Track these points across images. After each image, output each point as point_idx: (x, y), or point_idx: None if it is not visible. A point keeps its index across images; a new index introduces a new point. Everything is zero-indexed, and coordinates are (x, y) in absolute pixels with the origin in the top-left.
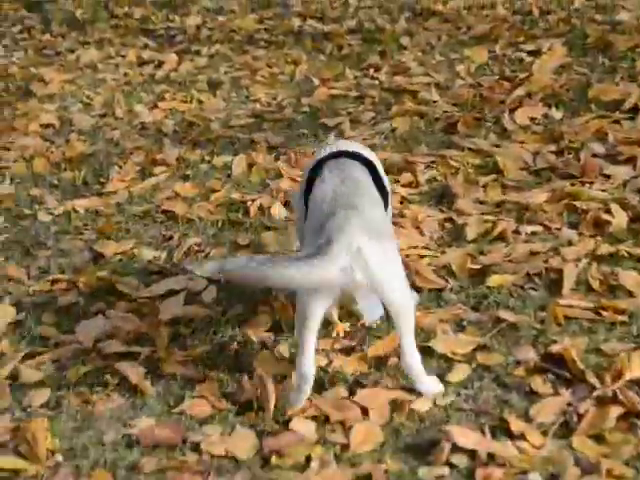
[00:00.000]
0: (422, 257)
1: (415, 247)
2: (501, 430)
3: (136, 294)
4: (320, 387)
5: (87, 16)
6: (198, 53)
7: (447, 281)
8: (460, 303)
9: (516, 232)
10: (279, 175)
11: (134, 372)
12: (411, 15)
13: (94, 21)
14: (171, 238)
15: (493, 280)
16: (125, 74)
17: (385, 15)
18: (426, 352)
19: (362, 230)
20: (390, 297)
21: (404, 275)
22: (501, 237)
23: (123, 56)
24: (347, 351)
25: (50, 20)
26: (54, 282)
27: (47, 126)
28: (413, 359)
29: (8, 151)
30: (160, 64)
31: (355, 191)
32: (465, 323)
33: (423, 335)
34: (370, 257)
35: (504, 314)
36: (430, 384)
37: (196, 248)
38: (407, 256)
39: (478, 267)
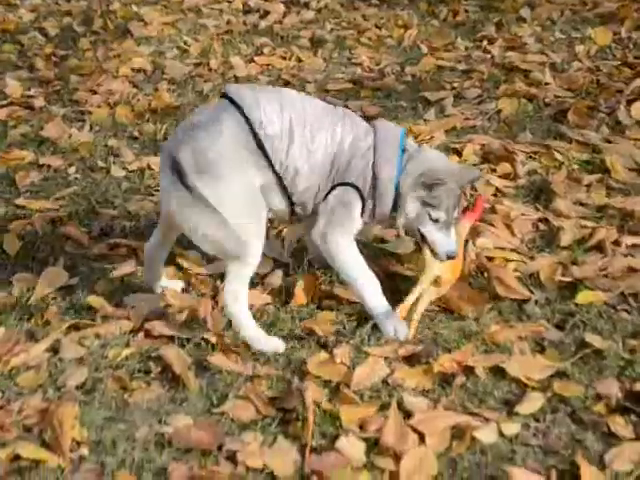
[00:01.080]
0: (508, 261)
1: (502, 249)
2: (570, 476)
3: (196, 270)
4: (375, 402)
5: None
6: (306, 5)
7: (532, 292)
8: (543, 319)
9: (616, 243)
10: None
11: (179, 361)
12: None
13: None
14: None
15: (583, 296)
16: (228, 21)
17: None
18: (497, 373)
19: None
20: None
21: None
22: (598, 247)
23: (229, 1)
24: (411, 360)
25: None
26: (114, 247)
27: (138, 70)
28: None
29: (94, 94)
30: (265, 14)
31: None
32: (546, 343)
33: (498, 352)
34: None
35: (590, 338)
36: None
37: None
38: (491, 259)
39: (568, 280)
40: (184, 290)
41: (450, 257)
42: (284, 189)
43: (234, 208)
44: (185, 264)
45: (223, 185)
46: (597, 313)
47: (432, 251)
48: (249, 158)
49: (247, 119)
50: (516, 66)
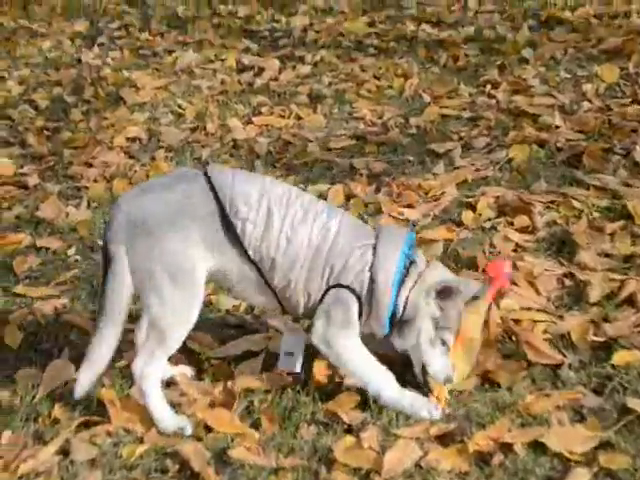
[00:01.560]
0: (536, 322)
1: (529, 309)
2: None
3: (208, 354)
4: None
5: (189, 13)
6: (302, 60)
7: (565, 355)
8: (579, 384)
9: None
10: (379, 210)
11: (198, 456)
12: (535, 23)
13: (196, 19)
14: None
15: (619, 356)
16: (222, 81)
17: (507, 22)
18: (537, 448)
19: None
20: None
21: None
22: (630, 300)
23: (223, 60)
24: (445, 440)
25: (150, 17)
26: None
27: (134, 140)
28: None
29: (89, 167)
30: (260, 71)
31: None
32: (585, 411)
33: (535, 424)
34: None
35: (632, 403)
36: None
37: None
38: (518, 321)
39: (602, 340)
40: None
41: (448, 382)
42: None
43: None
44: (195, 348)
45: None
46: (637, 374)
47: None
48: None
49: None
50: (523, 110)
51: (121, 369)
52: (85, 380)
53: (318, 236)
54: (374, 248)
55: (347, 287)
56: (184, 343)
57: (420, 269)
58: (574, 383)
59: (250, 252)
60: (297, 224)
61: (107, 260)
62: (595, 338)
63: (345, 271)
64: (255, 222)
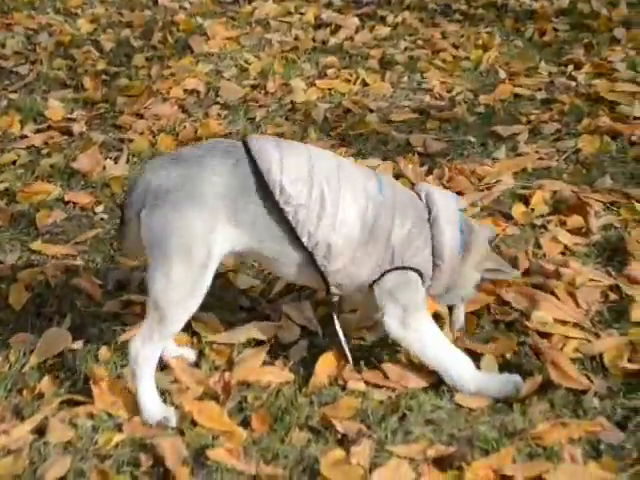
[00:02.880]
0: (569, 339)
1: (564, 322)
2: None
3: (211, 338)
4: None
5: None
6: (383, 20)
7: (592, 381)
8: (603, 415)
9: None
10: None
11: (174, 454)
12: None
13: None
14: None
15: None
16: (296, 37)
17: None
18: None
19: None
20: None
21: None
22: None
23: (302, 14)
24: (442, 464)
25: None
26: (127, 304)
27: (191, 92)
28: None
29: (140, 119)
30: (337, 29)
31: None
32: (603, 447)
33: (544, 456)
34: None
35: None
36: None
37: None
38: (547, 335)
39: (636, 367)
40: (196, 362)
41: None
42: (315, 267)
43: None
44: (200, 329)
45: None
46: None
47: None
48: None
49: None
50: (602, 96)
51: (123, 343)
52: None
53: (372, 213)
54: (430, 221)
55: (412, 268)
56: (189, 323)
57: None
58: (597, 413)
59: (304, 239)
60: (349, 204)
61: (122, 223)
62: (629, 366)
63: (408, 251)
64: (308, 206)
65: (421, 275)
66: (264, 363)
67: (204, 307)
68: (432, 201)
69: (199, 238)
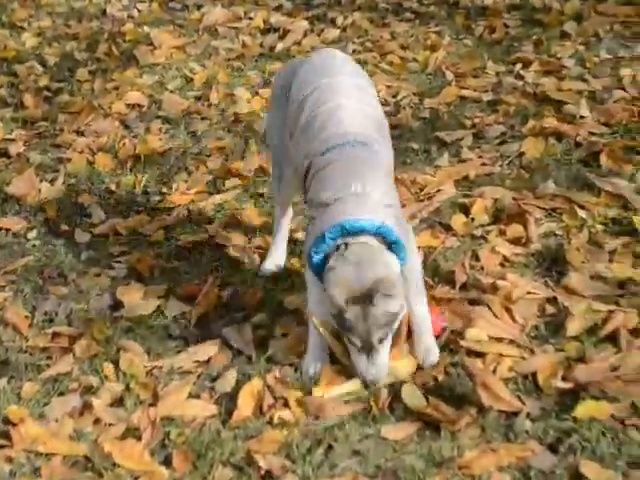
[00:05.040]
0: (503, 357)
1: (499, 340)
2: None
3: (134, 371)
4: None
5: None
6: (333, 22)
7: (524, 403)
8: (534, 438)
9: (636, 332)
10: None
11: None
12: None
13: None
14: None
15: (584, 409)
16: (243, 43)
17: None
18: None
19: None
20: None
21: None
22: (612, 337)
23: (251, 18)
24: None
25: None
26: (54, 336)
27: (133, 106)
28: None
29: (80, 136)
30: (285, 34)
31: None
32: (532, 473)
33: None
34: None
35: (586, 468)
36: None
37: None
38: (481, 355)
39: (569, 386)
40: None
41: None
42: None
43: None
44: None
45: None
46: (600, 431)
47: None
48: None
49: None
50: (548, 96)
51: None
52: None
53: None
54: None
55: None
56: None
57: None
58: (528, 437)
59: None
60: None
61: None
62: (561, 384)
63: None
64: None
65: None
66: (190, 395)
67: (132, 336)
68: None
69: None
